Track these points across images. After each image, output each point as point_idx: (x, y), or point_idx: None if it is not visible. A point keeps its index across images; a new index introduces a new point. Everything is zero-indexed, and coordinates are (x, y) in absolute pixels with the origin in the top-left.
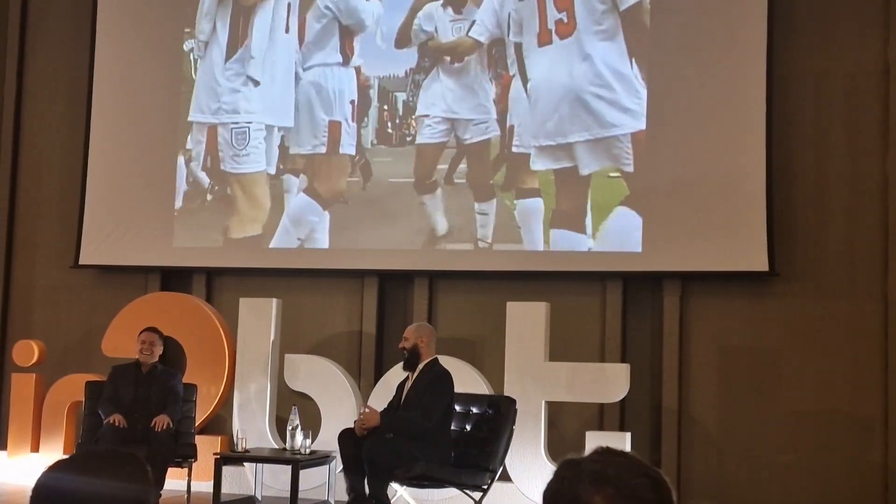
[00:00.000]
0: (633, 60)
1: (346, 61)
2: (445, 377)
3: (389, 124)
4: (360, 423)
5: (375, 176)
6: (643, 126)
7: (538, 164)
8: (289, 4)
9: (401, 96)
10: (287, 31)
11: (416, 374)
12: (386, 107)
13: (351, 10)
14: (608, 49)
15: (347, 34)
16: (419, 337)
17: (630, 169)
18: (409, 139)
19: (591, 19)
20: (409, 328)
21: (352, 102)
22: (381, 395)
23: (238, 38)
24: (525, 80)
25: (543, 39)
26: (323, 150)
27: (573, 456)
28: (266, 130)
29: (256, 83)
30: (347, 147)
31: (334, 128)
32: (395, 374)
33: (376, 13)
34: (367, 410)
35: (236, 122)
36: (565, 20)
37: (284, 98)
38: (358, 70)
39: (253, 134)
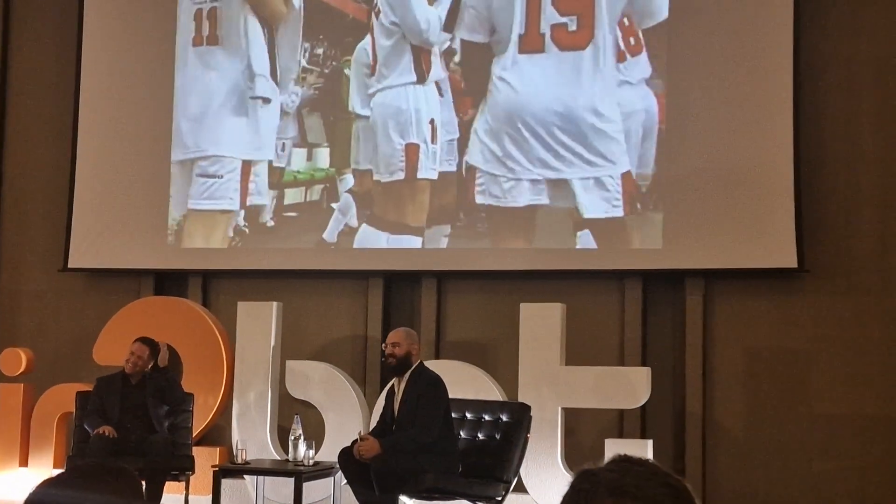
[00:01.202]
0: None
1: (421, 79)
2: (437, 383)
3: None
4: (358, 452)
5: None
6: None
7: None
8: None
9: None
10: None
11: (404, 382)
12: None
13: (411, 27)
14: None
15: (421, 50)
16: (412, 343)
17: (620, 213)
18: None
19: (613, 30)
20: (397, 333)
21: (431, 122)
22: None
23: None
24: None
25: (529, 45)
26: (401, 175)
27: (590, 466)
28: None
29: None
30: (427, 171)
31: (412, 151)
32: None
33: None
34: (363, 440)
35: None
36: (571, 27)
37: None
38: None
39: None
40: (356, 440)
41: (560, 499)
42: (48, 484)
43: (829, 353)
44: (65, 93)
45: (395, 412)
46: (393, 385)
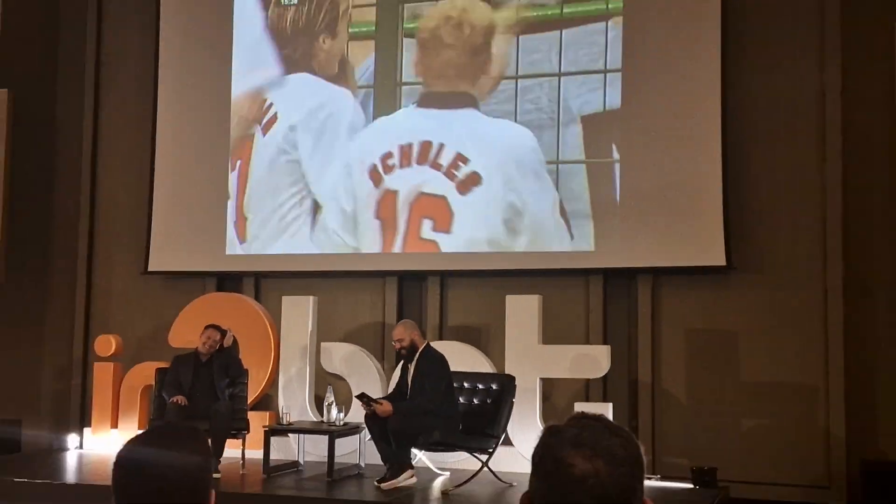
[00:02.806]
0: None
1: None
2: (440, 361)
3: None
4: (371, 412)
5: None
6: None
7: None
8: None
9: None
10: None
11: (415, 360)
12: None
13: None
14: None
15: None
16: (410, 333)
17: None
18: None
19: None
20: (396, 329)
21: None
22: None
23: None
24: None
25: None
26: None
27: (554, 423)
28: None
29: None
30: None
31: None
32: None
33: None
34: (379, 403)
35: None
36: None
37: None
38: None
39: None
40: (363, 398)
41: (532, 451)
42: (134, 442)
43: (751, 333)
44: (145, 133)
45: (409, 383)
46: (405, 361)
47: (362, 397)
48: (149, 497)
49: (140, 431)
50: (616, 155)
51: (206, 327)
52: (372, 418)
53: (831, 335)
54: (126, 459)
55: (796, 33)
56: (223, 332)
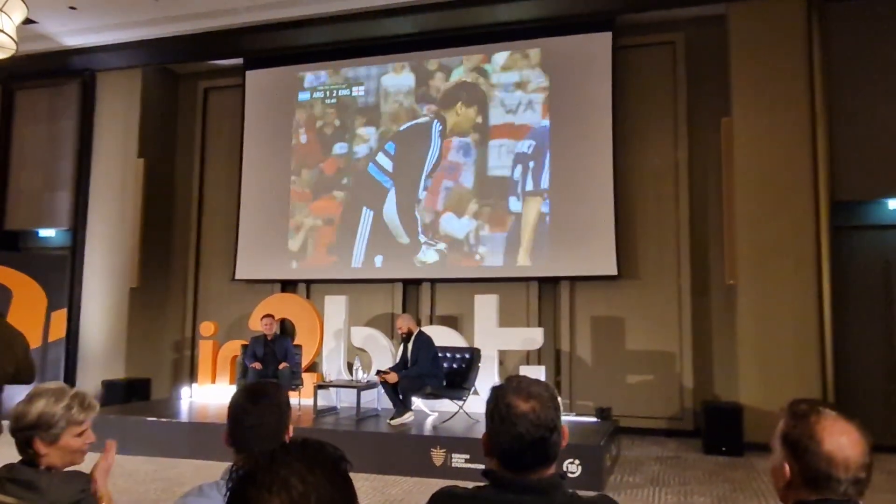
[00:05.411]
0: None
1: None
2: (429, 341)
3: None
4: (383, 378)
5: None
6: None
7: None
8: None
9: None
10: None
11: (412, 341)
12: None
13: None
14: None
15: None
16: (410, 322)
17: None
18: None
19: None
20: (399, 320)
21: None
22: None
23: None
24: None
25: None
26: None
27: (499, 383)
28: None
29: None
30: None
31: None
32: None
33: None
34: (387, 373)
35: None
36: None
37: None
38: None
39: None
40: (378, 372)
41: (486, 399)
42: (242, 391)
43: (633, 318)
44: (233, 184)
45: (409, 357)
46: (406, 341)
47: (378, 373)
48: (254, 425)
49: (238, 385)
50: (548, 202)
51: (264, 315)
52: (384, 382)
53: (683, 319)
54: (238, 402)
55: (660, 124)
56: (279, 321)
